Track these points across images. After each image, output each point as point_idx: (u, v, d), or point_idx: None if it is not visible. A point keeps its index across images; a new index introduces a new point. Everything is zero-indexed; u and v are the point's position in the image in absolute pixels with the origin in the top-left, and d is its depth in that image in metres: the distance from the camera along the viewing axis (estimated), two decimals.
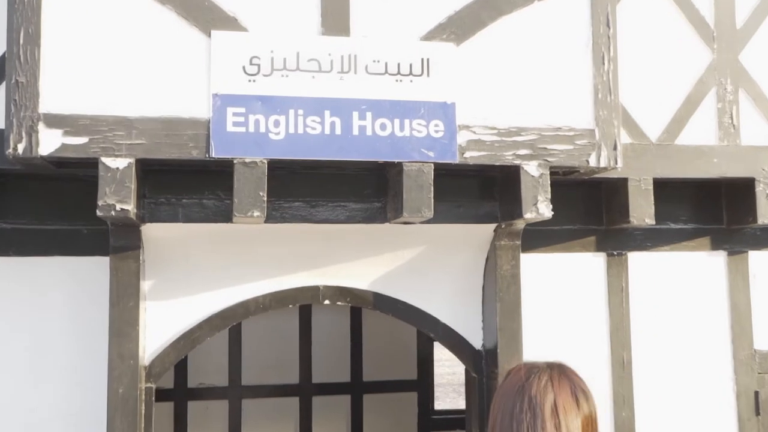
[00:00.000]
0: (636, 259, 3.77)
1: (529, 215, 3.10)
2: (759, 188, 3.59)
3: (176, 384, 6.81)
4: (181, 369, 6.79)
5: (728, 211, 3.82)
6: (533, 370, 1.70)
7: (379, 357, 7.14)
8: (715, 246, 3.84)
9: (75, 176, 3.20)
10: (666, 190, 3.72)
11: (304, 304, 6.93)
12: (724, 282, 3.83)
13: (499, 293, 3.39)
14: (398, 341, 7.20)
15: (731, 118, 3.62)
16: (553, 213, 3.14)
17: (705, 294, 3.82)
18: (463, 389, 7.45)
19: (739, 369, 3.78)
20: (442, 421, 7.27)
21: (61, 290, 3.24)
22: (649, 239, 3.79)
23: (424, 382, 7.29)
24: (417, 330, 7.24)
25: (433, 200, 3.03)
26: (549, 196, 3.12)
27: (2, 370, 3.17)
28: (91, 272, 3.25)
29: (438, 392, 8.39)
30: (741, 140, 3.63)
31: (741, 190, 3.70)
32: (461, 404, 11.19)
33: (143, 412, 3.19)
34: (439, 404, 8.62)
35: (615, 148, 3.19)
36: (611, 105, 3.20)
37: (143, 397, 3.20)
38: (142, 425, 3.17)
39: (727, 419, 3.76)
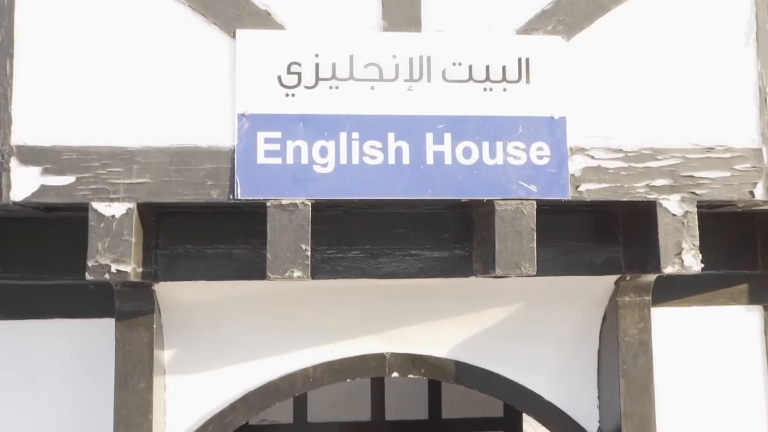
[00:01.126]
0: None
1: (669, 270, 2.26)
2: None
3: None
4: None
5: None
6: None
7: (460, 391, 6.37)
8: None
9: (79, 218, 2.51)
10: None
11: None
12: None
13: (623, 366, 2.55)
14: None
15: None
16: (702, 266, 2.28)
17: None
18: None
19: None
20: None
21: (58, 363, 2.58)
22: None
23: (512, 420, 6.53)
24: None
25: (535, 251, 2.22)
26: (697, 242, 2.28)
27: None
28: (97, 340, 2.58)
29: (527, 428, 7.55)
30: None
31: None
32: None
33: None
34: None
35: None
36: None
37: None
38: None
39: None
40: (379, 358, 2.69)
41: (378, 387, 6.35)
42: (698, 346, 2.82)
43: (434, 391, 6.43)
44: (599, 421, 2.73)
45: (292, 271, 2.15)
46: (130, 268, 2.11)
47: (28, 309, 2.61)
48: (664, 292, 2.79)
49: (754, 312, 2.87)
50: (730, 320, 2.85)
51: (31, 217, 2.59)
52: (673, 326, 2.81)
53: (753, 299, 2.86)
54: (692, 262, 2.26)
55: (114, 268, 2.10)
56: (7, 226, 2.62)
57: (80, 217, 2.43)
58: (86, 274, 2.12)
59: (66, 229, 2.61)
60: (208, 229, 2.44)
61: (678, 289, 2.83)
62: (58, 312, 2.61)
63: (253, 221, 2.36)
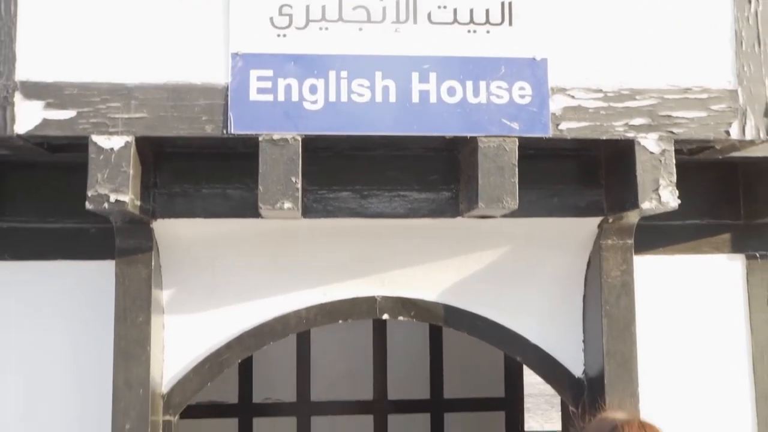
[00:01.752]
0: None
1: (647, 205, 2.34)
2: None
3: (241, 399, 6.37)
4: (245, 383, 6.36)
5: None
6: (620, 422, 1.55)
7: (462, 371, 6.49)
8: None
9: (80, 164, 2.61)
10: None
11: None
12: None
13: (606, 306, 2.63)
14: (483, 354, 6.48)
15: None
16: (680, 202, 2.36)
17: None
18: (556, 400, 6.68)
19: None
20: None
21: (61, 301, 2.69)
22: None
23: (512, 400, 6.59)
24: None
25: (517, 186, 2.31)
26: (674, 179, 2.36)
27: None
28: (98, 280, 2.68)
29: (528, 403, 7.62)
30: None
31: None
32: (554, 418, 10.36)
33: None
34: (530, 422, 7.84)
35: (766, 113, 2.38)
36: (760, 57, 2.40)
37: None
38: None
39: None
40: (370, 301, 2.78)
41: (380, 366, 6.44)
42: (682, 292, 2.90)
43: (436, 371, 6.50)
44: (584, 364, 2.81)
45: (283, 203, 2.24)
46: (128, 198, 2.21)
47: (34, 251, 2.72)
48: (648, 240, 2.88)
49: (737, 261, 2.94)
50: (713, 268, 2.93)
51: (36, 164, 2.71)
52: (657, 273, 2.89)
53: (735, 248, 2.94)
54: (669, 197, 2.34)
55: (113, 197, 2.20)
56: (14, 173, 2.74)
57: (82, 164, 2.55)
58: (86, 203, 2.21)
59: (68, 177, 2.71)
60: (204, 170, 2.54)
61: (662, 238, 2.91)
62: (61, 254, 2.72)
63: (247, 163, 2.45)
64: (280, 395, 6.42)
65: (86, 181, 2.48)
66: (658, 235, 2.89)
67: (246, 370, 6.36)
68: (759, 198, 2.81)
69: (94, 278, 2.70)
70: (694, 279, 2.91)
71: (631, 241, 2.68)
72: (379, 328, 6.46)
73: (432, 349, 6.50)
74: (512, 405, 6.57)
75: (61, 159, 2.63)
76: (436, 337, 6.51)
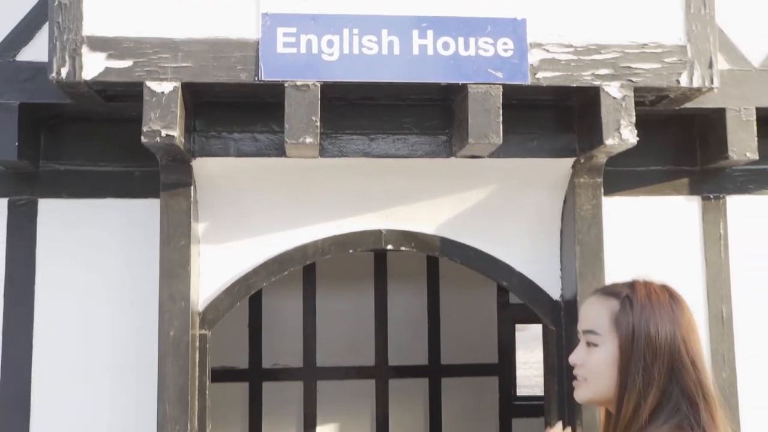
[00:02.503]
0: (736, 204, 3.38)
1: (610, 141, 2.78)
2: None
3: (251, 364, 6.76)
4: (255, 349, 6.76)
5: None
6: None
7: (458, 339, 6.89)
8: None
9: (128, 118, 3.06)
10: None
11: (378, 283, 6.81)
12: None
13: (579, 235, 3.07)
14: (478, 323, 6.93)
15: None
16: (638, 139, 2.81)
17: None
18: None
19: None
20: (526, 408, 6.91)
21: (113, 232, 3.13)
22: (752, 181, 3.39)
23: (505, 367, 6.98)
24: (498, 312, 6.97)
25: (501, 126, 2.75)
26: (633, 120, 2.80)
27: (54, 313, 3.07)
28: (144, 214, 3.13)
29: (521, 371, 8.01)
30: None
31: None
32: None
33: (197, 359, 3.03)
34: (522, 389, 8.22)
35: (710, 66, 2.83)
36: (705, 18, 2.84)
37: (197, 344, 3.04)
38: (196, 373, 3.01)
39: None
40: (377, 233, 3.21)
41: (381, 334, 6.83)
42: (646, 228, 3.33)
43: (434, 339, 6.89)
44: (561, 289, 3.25)
45: (305, 138, 2.68)
46: (176, 133, 2.65)
47: (87, 190, 3.15)
48: (617, 183, 3.32)
49: (693, 201, 3.38)
50: (673, 208, 3.36)
51: (89, 117, 3.15)
52: (624, 212, 3.32)
53: (693, 191, 3.37)
54: (629, 135, 2.78)
55: (164, 132, 2.64)
56: (69, 125, 3.18)
57: (128, 117, 3.00)
58: (142, 138, 2.65)
59: (116, 128, 3.17)
60: (235, 117, 2.98)
61: (629, 182, 3.35)
62: (111, 193, 3.16)
63: (273, 111, 2.89)
64: (287, 361, 6.79)
65: (131, 133, 2.95)
66: (625, 179, 3.34)
67: (256, 337, 6.76)
68: (711, 146, 3.24)
69: (140, 213, 3.14)
70: (656, 217, 3.35)
71: (600, 180, 3.12)
72: (380, 299, 6.86)
73: (430, 318, 6.89)
74: (505, 371, 6.97)
75: (110, 112, 3.07)
76: (433, 307, 6.91)
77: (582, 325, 1.65)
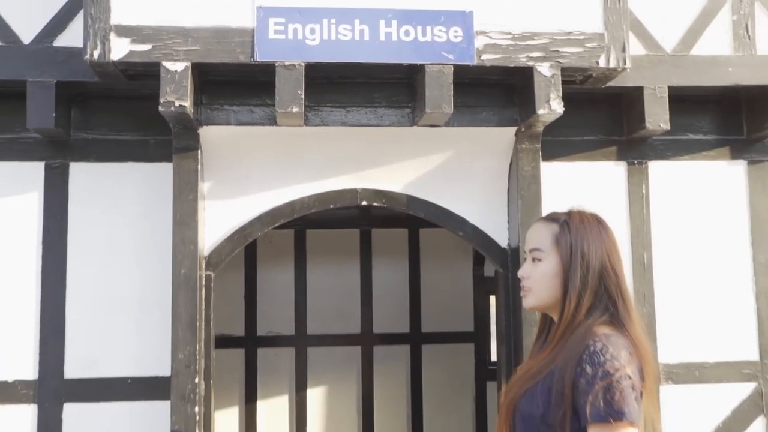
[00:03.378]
0: (656, 168, 4.00)
1: (542, 111, 3.40)
2: None
3: (246, 332, 7.29)
4: (250, 319, 7.28)
5: (748, 121, 4.01)
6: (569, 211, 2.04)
7: (437, 309, 7.44)
8: (735, 155, 4.03)
9: (144, 95, 3.68)
10: (686, 103, 3.96)
11: (364, 258, 7.38)
12: (743, 190, 4.02)
13: (521, 191, 3.70)
14: (455, 295, 7.50)
15: (746, 29, 3.82)
16: (564, 110, 3.43)
17: (725, 201, 4.01)
18: None
19: (759, 271, 3.96)
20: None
21: (133, 190, 3.74)
22: (669, 149, 4.02)
23: (480, 335, 7.54)
24: (473, 284, 7.57)
25: (452, 98, 3.37)
26: (560, 94, 3.42)
27: (84, 256, 3.68)
28: (158, 175, 3.73)
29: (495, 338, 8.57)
30: (756, 50, 3.82)
31: (759, 100, 3.89)
32: None
33: (203, 296, 3.64)
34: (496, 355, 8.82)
35: (623, 50, 3.46)
36: (620, 11, 3.47)
37: (203, 282, 3.65)
38: (203, 307, 3.62)
39: (747, 318, 3.94)
40: (353, 191, 3.83)
41: (367, 304, 7.39)
42: (579, 189, 3.95)
43: (415, 308, 7.47)
44: (508, 238, 3.87)
45: (292, 108, 3.30)
46: (187, 103, 3.26)
47: (112, 155, 3.76)
48: (555, 151, 3.95)
49: (621, 166, 4.00)
50: (603, 172, 3.99)
51: (111, 94, 3.76)
52: (563, 175, 3.94)
53: (620, 157, 4.00)
54: (557, 106, 3.40)
55: (177, 103, 3.25)
56: (94, 100, 3.78)
57: (144, 95, 3.61)
58: (159, 107, 3.26)
59: (134, 104, 3.78)
60: (235, 93, 3.59)
61: (565, 150, 3.98)
62: (131, 157, 3.76)
63: (266, 88, 3.50)
64: (280, 329, 7.33)
65: (147, 107, 3.58)
66: (563, 147, 3.96)
67: (251, 308, 7.31)
68: (634, 119, 3.86)
69: (155, 175, 3.75)
70: (589, 179, 3.97)
71: (538, 146, 3.74)
72: (366, 271, 7.43)
73: (411, 290, 7.47)
74: (480, 339, 7.56)
75: (129, 90, 3.68)
76: (414, 279, 7.49)
77: (528, 245, 1.98)
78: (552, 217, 1.99)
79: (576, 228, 1.92)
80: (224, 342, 6.90)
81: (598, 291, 1.86)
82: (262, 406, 7.21)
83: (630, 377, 1.72)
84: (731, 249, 3.99)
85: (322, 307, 7.38)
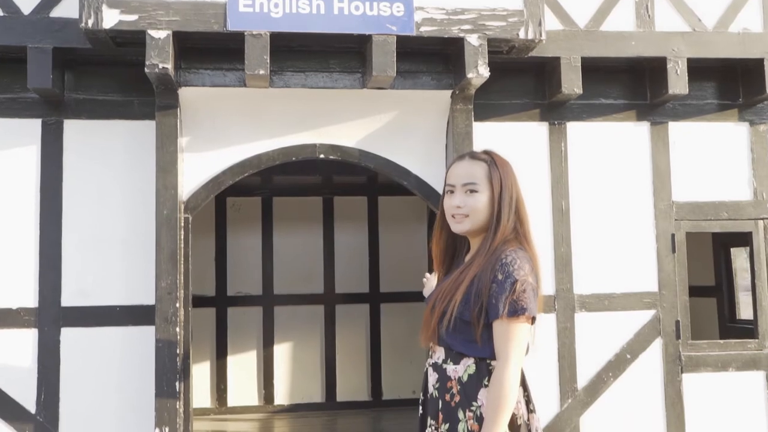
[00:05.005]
0: (574, 128, 4.66)
1: (471, 75, 4.03)
2: (669, 65, 4.44)
3: (217, 292, 7.78)
4: (221, 280, 7.76)
5: (651, 88, 4.68)
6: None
7: (395, 271, 7.99)
8: (641, 118, 4.71)
9: (129, 62, 4.23)
10: (599, 72, 4.61)
11: (327, 224, 7.91)
12: (647, 147, 4.69)
13: (456, 146, 4.33)
14: (411, 257, 8.07)
15: (647, 9, 4.49)
16: (490, 74, 4.06)
17: (631, 157, 4.69)
18: None
19: (659, 216, 4.64)
20: None
21: (120, 143, 4.30)
22: (584, 112, 4.68)
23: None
24: (428, 247, 8.16)
25: (395, 64, 3.98)
26: (486, 61, 4.05)
27: (77, 200, 4.24)
28: (142, 131, 4.30)
29: None
30: (655, 27, 4.49)
31: (659, 70, 4.56)
32: None
33: (182, 235, 4.21)
34: None
35: (540, 24, 4.10)
36: None
37: (182, 224, 4.23)
38: (182, 245, 4.20)
39: (648, 255, 4.62)
40: (312, 146, 4.43)
41: (329, 266, 7.92)
42: (509, 145, 4.55)
43: (374, 270, 8.01)
44: None
45: (259, 70, 3.89)
46: (169, 66, 3.83)
47: (101, 113, 4.31)
48: (487, 113, 4.58)
49: (543, 126, 4.66)
50: (528, 131, 4.63)
51: (100, 59, 4.30)
52: (493, 134, 4.58)
53: (542, 118, 4.66)
54: (484, 71, 4.03)
55: (160, 65, 3.82)
56: (87, 66, 4.32)
57: (129, 60, 4.17)
58: (145, 69, 3.83)
59: (120, 69, 4.33)
60: (209, 59, 4.17)
61: (496, 112, 4.62)
62: (118, 115, 4.32)
63: (237, 55, 4.08)
64: (249, 290, 7.81)
65: (132, 72, 4.14)
66: (494, 109, 4.60)
67: (221, 270, 7.79)
68: (553, 85, 4.50)
69: (139, 130, 4.31)
70: (516, 137, 4.61)
71: (471, 107, 4.38)
72: (328, 235, 7.97)
73: (371, 253, 8.00)
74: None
75: (115, 55, 4.22)
76: (374, 243, 8.05)
77: (460, 180, 2.23)
78: (476, 156, 2.29)
79: (501, 165, 2.27)
80: (196, 302, 7.07)
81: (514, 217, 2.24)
82: (232, 361, 7.70)
83: (531, 283, 2.10)
84: (636, 197, 4.66)
85: (287, 270, 7.89)
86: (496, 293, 2.08)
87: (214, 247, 7.76)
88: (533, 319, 2.13)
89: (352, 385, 7.74)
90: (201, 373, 7.59)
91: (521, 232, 2.23)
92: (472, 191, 2.21)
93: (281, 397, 7.66)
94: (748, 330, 6.82)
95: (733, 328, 7.06)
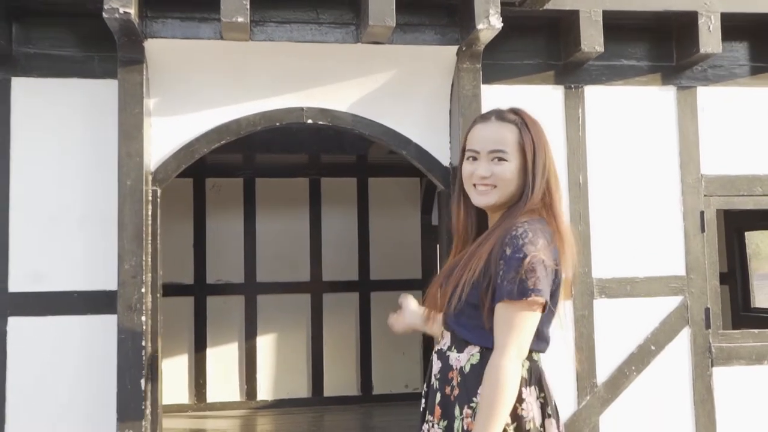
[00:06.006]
0: (592, 93, 4.16)
1: (481, 26, 3.51)
2: (701, 21, 3.95)
3: (196, 280, 7.33)
4: (200, 267, 7.33)
5: (678, 49, 4.18)
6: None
7: (386, 258, 7.58)
8: (666, 82, 4.21)
9: (87, 12, 3.66)
10: (621, 30, 4.11)
11: (313, 207, 7.46)
12: (673, 115, 4.20)
13: (462, 110, 3.81)
14: (403, 243, 7.64)
15: None
16: (502, 25, 3.55)
17: (656, 125, 4.19)
18: None
19: (687, 191, 4.15)
20: None
21: (77, 105, 3.74)
22: (604, 74, 4.18)
23: (428, 282, 7.64)
24: (421, 233, 7.71)
25: (394, 12, 3.45)
26: (499, 10, 3.53)
27: (28, 171, 3.68)
28: (103, 92, 3.74)
29: None
30: None
31: (687, 27, 4.06)
32: None
33: (150, 210, 3.67)
34: None
35: None
36: None
37: (149, 197, 3.69)
38: (149, 221, 3.66)
39: (675, 235, 4.13)
40: (298, 110, 3.90)
41: (316, 253, 7.49)
42: None
43: (364, 257, 7.59)
44: (450, 157, 4.00)
45: (237, 17, 3.35)
46: (132, 10, 3.27)
47: (55, 71, 3.74)
48: (496, 74, 4.07)
49: (558, 90, 4.15)
50: (542, 95, 4.13)
51: (54, 14, 3.74)
52: (502, 98, 4.06)
53: (557, 81, 4.14)
54: (496, 22, 3.51)
55: (121, 10, 3.27)
56: (39, 18, 3.76)
57: (85, 12, 3.61)
58: (103, 14, 3.27)
59: (77, 21, 3.77)
60: (181, 6, 3.62)
61: (506, 74, 4.10)
62: (75, 74, 3.75)
63: (211, 4, 3.54)
64: (230, 277, 7.41)
65: (91, 25, 3.60)
66: (503, 70, 4.09)
67: (200, 256, 7.35)
68: (570, 43, 3.99)
69: (100, 91, 3.76)
70: (527, 102, 4.06)
71: (479, 65, 3.86)
72: (315, 219, 7.52)
73: (360, 238, 7.59)
74: (428, 285, 7.69)
75: (71, 5, 3.66)
76: (363, 228, 7.61)
77: (488, 145, 1.98)
78: (504, 117, 2.04)
79: (532, 127, 2.03)
80: (173, 290, 6.92)
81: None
82: (211, 354, 7.30)
83: (543, 260, 1.83)
84: (661, 170, 4.17)
85: (271, 256, 7.48)
86: (503, 271, 1.85)
87: (193, 231, 7.38)
88: (545, 306, 1.87)
89: (340, 379, 7.42)
90: (178, 366, 7.22)
91: (548, 202, 1.99)
92: (500, 159, 1.97)
93: (264, 393, 7.32)
94: (763, 319, 6.41)
95: (747, 317, 6.67)
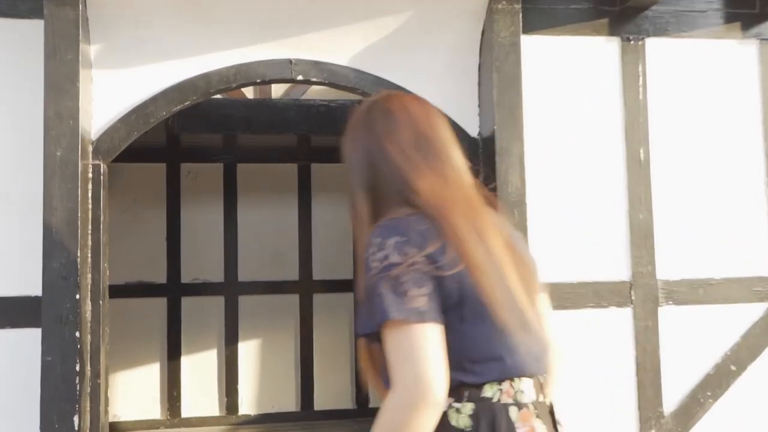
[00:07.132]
0: (655, 46, 3.34)
1: None
2: None
3: (169, 279, 6.63)
4: (174, 264, 6.63)
5: None
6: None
7: None
8: (747, 33, 3.39)
9: None
10: None
11: (303, 196, 6.72)
12: (756, 73, 3.40)
13: (497, 63, 2.98)
14: None
15: None
16: None
17: (734, 86, 3.39)
18: None
19: None
20: None
21: (2, 52, 2.87)
22: (670, 24, 3.35)
23: None
24: None
25: None
26: None
27: None
28: (30, 34, 2.87)
29: None
30: None
31: None
32: None
33: (90, 190, 2.81)
34: None
35: None
36: None
37: (90, 174, 2.83)
38: (89, 205, 2.80)
39: (760, 227, 3.33)
40: (285, 63, 3.04)
41: (306, 248, 6.78)
42: (566, 68, 3.26)
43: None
44: (479, 126, 3.15)
45: None
46: None
47: None
48: (537, 22, 3.23)
49: (613, 43, 3.32)
50: (593, 49, 3.30)
51: None
52: (544, 51, 3.24)
53: (612, 32, 3.31)
54: None
55: None
56: None
57: None
58: None
59: None
60: None
61: (548, 21, 3.27)
62: None
63: None
64: (208, 276, 6.69)
65: None
66: (545, 17, 3.25)
67: (174, 251, 6.61)
68: None
69: (26, 33, 2.88)
70: (576, 57, 3.28)
71: (518, 6, 3.03)
72: (305, 209, 6.79)
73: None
74: None
75: None
76: None
77: None
78: None
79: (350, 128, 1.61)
80: (143, 290, 6.31)
81: None
82: (187, 362, 6.54)
83: (394, 265, 1.33)
84: (740, 143, 3.36)
85: (255, 251, 6.71)
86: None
87: (166, 223, 6.56)
88: (422, 317, 1.31)
89: (332, 391, 6.74)
90: (148, 377, 6.47)
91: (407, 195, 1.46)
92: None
93: (247, 406, 6.64)
94: None
95: None
